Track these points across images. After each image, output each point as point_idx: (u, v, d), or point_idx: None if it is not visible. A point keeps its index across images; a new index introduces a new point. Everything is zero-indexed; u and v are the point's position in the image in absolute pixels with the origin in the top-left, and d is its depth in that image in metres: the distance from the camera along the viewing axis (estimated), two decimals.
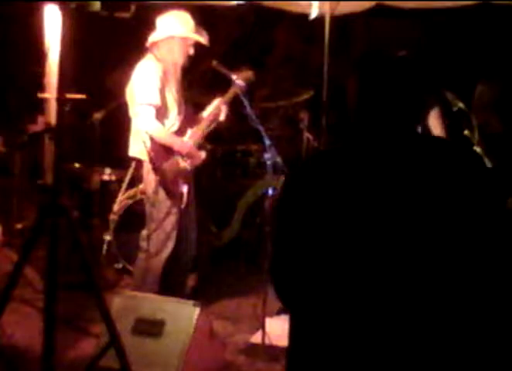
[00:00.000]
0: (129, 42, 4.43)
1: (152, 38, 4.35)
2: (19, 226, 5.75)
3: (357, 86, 1.97)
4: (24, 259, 3.01)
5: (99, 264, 5.22)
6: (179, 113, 4.44)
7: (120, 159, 4.97)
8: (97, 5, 3.02)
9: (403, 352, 1.81)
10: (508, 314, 1.89)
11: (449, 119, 5.11)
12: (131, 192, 5.36)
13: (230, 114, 4.72)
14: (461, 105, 4.74)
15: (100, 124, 5.63)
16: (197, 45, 4.43)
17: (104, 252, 5.34)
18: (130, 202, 5.29)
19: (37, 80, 4.90)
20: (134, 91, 4.32)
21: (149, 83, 4.25)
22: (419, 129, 2.12)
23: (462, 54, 6.97)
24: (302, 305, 1.94)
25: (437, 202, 1.83)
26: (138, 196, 5.14)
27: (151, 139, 4.28)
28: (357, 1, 5.59)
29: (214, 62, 4.56)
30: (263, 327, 4.02)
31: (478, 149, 4.70)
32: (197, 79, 6.31)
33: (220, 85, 4.73)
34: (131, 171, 5.32)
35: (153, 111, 4.25)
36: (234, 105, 4.73)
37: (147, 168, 4.37)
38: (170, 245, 4.43)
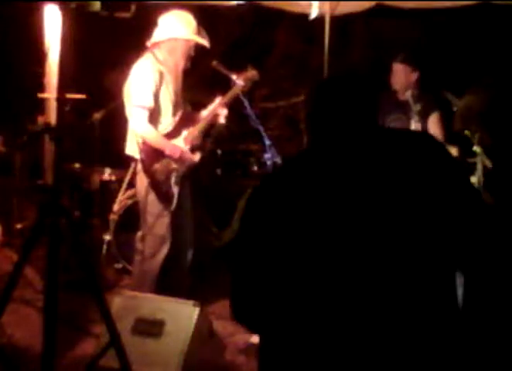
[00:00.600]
0: (129, 42, 4.42)
1: (154, 38, 4.34)
2: (19, 226, 5.75)
3: (309, 103, 2.02)
4: (24, 259, 3.01)
5: (99, 264, 5.22)
6: (175, 114, 4.40)
7: (120, 159, 4.96)
8: (97, 5, 3.02)
9: (377, 355, 1.78)
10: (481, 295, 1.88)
11: (449, 119, 5.11)
12: (131, 192, 5.35)
13: (230, 114, 4.72)
14: (461, 105, 4.75)
15: (100, 124, 5.62)
16: (197, 45, 4.42)
17: (104, 252, 5.34)
18: (130, 202, 5.29)
19: (37, 80, 4.91)
20: (129, 92, 4.31)
21: (144, 84, 4.23)
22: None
23: (462, 54, 6.97)
24: (269, 315, 1.91)
25: (401, 195, 1.80)
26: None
27: (143, 141, 4.27)
28: (357, 1, 5.59)
29: (214, 63, 4.56)
30: None
31: (478, 149, 4.71)
32: (197, 79, 6.32)
33: (220, 85, 4.73)
34: (131, 171, 5.31)
35: (146, 114, 4.23)
36: (234, 105, 4.72)
37: (139, 167, 4.36)
38: (166, 246, 4.41)
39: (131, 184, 5.36)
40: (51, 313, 2.92)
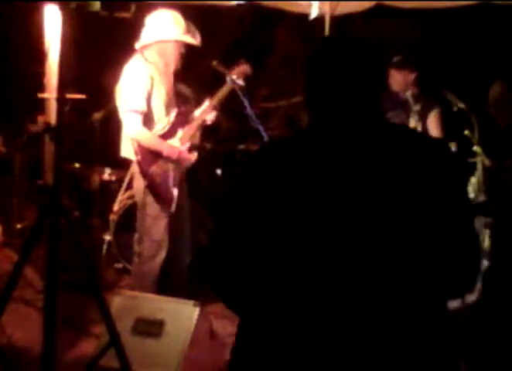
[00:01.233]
0: (129, 42, 4.41)
1: (143, 40, 4.29)
2: (19, 226, 5.75)
3: (306, 76, 1.91)
4: (24, 259, 3.02)
5: (99, 264, 5.22)
6: (168, 114, 4.37)
7: (120, 159, 4.96)
8: (97, 5, 3.02)
9: (358, 337, 1.76)
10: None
11: (449, 119, 5.11)
12: (131, 192, 5.35)
13: (230, 114, 4.71)
14: (461, 105, 4.75)
15: (100, 124, 5.62)
16: (192, 45, 4.39)
17: (104, 252, 5.34)
18: (130, 202, 5.29)
19: (37, 80, 4.90)
20: (121, 95, 4.28)
21: (136, 88, 4.19)
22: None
23: (462, 54, 6.97)
24: (248, 295, 1.87)
25: (390, 187, 1.78)
26: None
27: (138, 143, 4.25)
28: (357, 1, 5.59)
29: (214, 63, 4.55)
30: None
31: (478, 149, 4.71)
32: (197, 80, 6.31)
33: (220, 85, 4.72)
34: (131, 171, 5.31)
35: (139, 118, 4.19)
36: (234, 105, 4.72)
37: (136, 169, 4.35)
38: (164, 249, 4.39)
39: (131, 184, 5.36)
40: (51, 313, 2.92)
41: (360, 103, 1.88)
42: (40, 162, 5.28)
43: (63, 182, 3.03)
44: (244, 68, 4.53)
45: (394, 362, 1.77)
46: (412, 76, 5.13)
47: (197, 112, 4.56)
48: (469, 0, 5.42)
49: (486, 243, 4.43)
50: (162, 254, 4.40)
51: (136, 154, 4.24)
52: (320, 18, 5.20)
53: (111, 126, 5.48)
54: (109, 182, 5.67)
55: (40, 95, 4.97)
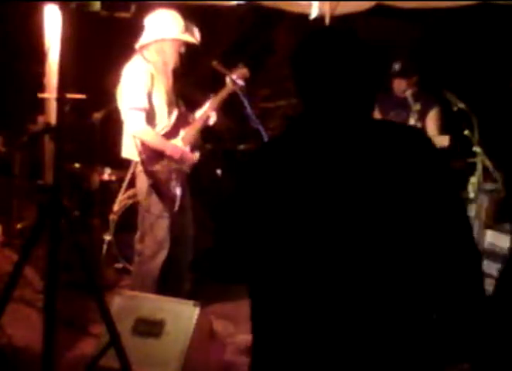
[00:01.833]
0: (129, 42, 4.42)
1: (142, 41, 4.31)
2: (19, 226, 5.75)
3: (297, 71, 1.89)
4: (24, 259, 3.02)
5: (99, 264, 5.22)
6: (170, 114, 4.39)
7: (120, 159, 4.96)
8: (97, 5, 3.02)
9: (359, 329, 1.78)
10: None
11: (449, 119, 5.11)
12: (131, 192, 5.35)
13: (230, 114, 4.72)
14: (461, 105, 4.74)
15: (100, 124, 5.62)
16: (192, 44, 4.40)
17: (104, 252, 5.34)
18: (130, 202, 5.29)
19: (37, 80, 4.90)
20: (122, 95, 4.29)
21: (137, 86, 4.21)
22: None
23: (462, 54, 6.97)
24: (254, 290, 1.91)
25: (381, 182, 1.78)
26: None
27: (142, 142, 4.26)
28: (357, 1, 5.59)
29: (214, 63, 4.55)
30: None
31: (478, 149, 4.71)
32: (197, 79, 6.31)
33: (221, 85, 4.72)
34: (131, 171, 5.31)
35: (142, 116, 4.22)
36: (234, 105, 4.72)
37: (139, 169, 4.35)
38: (165, 248, 4.40)
39: (131, 184, 5.36)
40: (51, 313, 2.93)
41: (348, 94, 1.84)
42: (40, 162, 5.28)
43: (63, 181, 3.03)
44: (243, 72, 4.55)
45: (389, 359, 1.78)
46: (414, 79, 5.14)
47: (198, 113, 4.57)
48: (469, 0, 5.42)
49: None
50: (163, 254, 4.40)
51: (140, 153, 4.24)
52: (320, 18, 5.20)
53: (111, 126, 5.49)
54: (109, 182, 5.67)
55: (40, 95, 4.97)
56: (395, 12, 5.92)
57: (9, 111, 6.60)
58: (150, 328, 3.63)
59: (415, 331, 1.81)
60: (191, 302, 3.72)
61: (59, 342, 2.96)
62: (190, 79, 4.59)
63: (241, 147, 6.18)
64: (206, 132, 4.65)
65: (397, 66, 5.13)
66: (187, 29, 4.32)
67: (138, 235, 4.45)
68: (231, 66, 4.60)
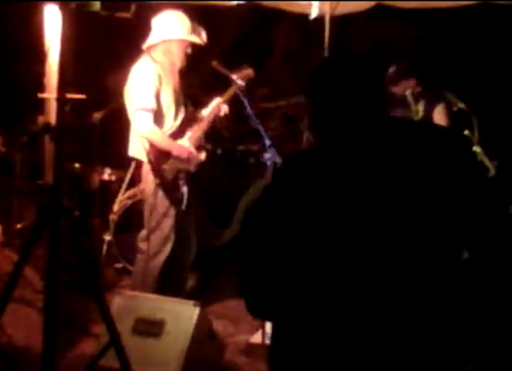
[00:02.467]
0: (129, 41, 4.42)
1: (149, 41, 4.34)
2: (19, 226, 5.75)
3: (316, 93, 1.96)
4: (24, 259, 3.01)
5: (99, 264, 5.22)
6: (177, 114, 4.42)
7: (120, 159, 4.96)
8: (97, 5, 3.02)
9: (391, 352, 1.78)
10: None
11: (449, 119, 5.11)
12: (131, 192, 5.36)
13: (229, 114, 4.72)
14: (461, 105, 4.74)
15: (100, 124, 5.62)
16: (195, 44, 4.41)
17: (104, 252, 5.34)
18: (130, 202, 5.29)
19: (37, 80, 4.89)
20: (130, 95, 4.31)
21: (145, 86, 4.23)
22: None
23: (462, 54, 6.97)
24: (283, 309, 1.90)
25: (413, 186, 1.79)
26: (138, 196, 5.14)
27: (150, 142, 4.27)
28: (357, 1, 5.59)
29: (214, 63, 4.56)
30: (263, 327, 4.02)
31: (478, 149, 4.70)
32: (198, 79, 6.32)
33: (221, 85, 4.73)
34: (131, 171, 5.31)
35: (150, 116, 4.24)
36: (234, 105, 4.72)
37: (146, 168, 4.37)
38: (168, 247, 4.42)
39: (131, 184, 5.36)
40: (51, 313, 2.92)
41: (366, 112, 1.91)
42: (40, 162, 5.28)
43: (63, 181, 3.03)
44: (248, 72, 4.56)
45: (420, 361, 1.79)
46: (411, 83, 5.11)
47: (205, 112, 4.59)
48: (469, 0, 5.42)
49: None
50: (166, 252, 4.42)
51: (148, 153, 4.26)
52: (320, 18, 5.20)
53: (111, 126, 5.49)
54: (109, 182, 5.67)
55: (40, 95, 4.96)
56: (395, 12, 5.92)
57: (9, 111, 6.60)
58: (150, 327, 3.63)
59: (448, 335, 1.82)
60: (191, 302, 3.72)
61: (59, 342, 2.95)
62: (190, 79, 4.58)
63: (241, 147, 6.18)
64: (206, 132, 4.65)
65: (391, 70, 5.10)
66: (194, 30, 4.35)
67: (142, 233, 4.45)
68: (234, 66, 4.61)
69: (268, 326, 4.06)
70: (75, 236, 3.01)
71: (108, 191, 5.63)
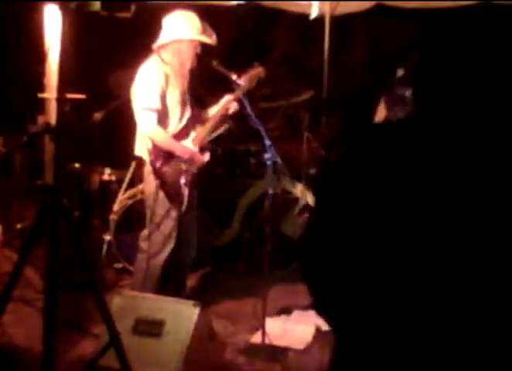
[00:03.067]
0: (129, 41, 4.42)
1: (160, 41, 4.34)
2: (19, 226, 5.75)
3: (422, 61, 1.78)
4: (24, 259, 3.01)
5: (99, 264, 5.22)
6: (183, 115, 4.42)
7: (120, 159, 4.97)
8: (97, 5, 3.02)
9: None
10: None
11: None
12: (131, 192, 5.36)
13: (229, 114, 4.72)
14: None
15: (100, 124, 5.62)
16: (203, 44, 4.41)
17: (104, 252, 5.34)
18: (130, 202, 5.29)
19: (37, 80, 4.90)
20: (136, 94, 4.32)
21: (150, 87, 4.24)
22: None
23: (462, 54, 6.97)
24: (347, 305, 1.71)
25: (498, 193, 1.59)
26: (138, 196, 5.14)
27: (153, 143, 4.28)
28: (357, 1, 5.60)
29: (214, 63, 4.55)
30: (263, 327, 4.03)
31: None
32: (198, 79, 6.31)
33: (221, 85, 4.73)
34: (131, 171, 5.32)
35: (154, 116, 4.24)
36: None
37: (148, 169, 4.37)
38: (169, 246, 4.42)
39: (131, 184, 5.37)
40: (51, 313, 2.92)
41: (468, 97, 1.75)
42: (40, 162, 5.28)
43: (63, 182, 3.03)
44: (258, 71, 4.56)
45: None
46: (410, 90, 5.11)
47: (210, 112, 4.59)
48: (469, 0, 5.43)
49: None
50: (166, 252, 4.42)
51: (150, 153, 4.27)
52: (320, 18, 5.21)
53: (111, 126, 5.49)
54: (109, 182, 5.67)
55: (40, 95, 4.96)
56: (395, 12, 5.93)
57: (9, 111, 6.60)
58: (150, 327, 3.63)
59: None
60: (191, 302, 3.72)
61: (59, 342, 2.95)
62: (191, 78, 4.58)
63: (241, 147, 6.18)
64: (215, 130, 4.67)
65: (398, 73, 5.10)
66: (204, 31, 4.35)
67: (144, 232, 4.45)
68: (237, 68, 4.59)
69: (268, 326, 4.07)
70: (75, 236, 3.01)
71: (108, 191, 5.63)
